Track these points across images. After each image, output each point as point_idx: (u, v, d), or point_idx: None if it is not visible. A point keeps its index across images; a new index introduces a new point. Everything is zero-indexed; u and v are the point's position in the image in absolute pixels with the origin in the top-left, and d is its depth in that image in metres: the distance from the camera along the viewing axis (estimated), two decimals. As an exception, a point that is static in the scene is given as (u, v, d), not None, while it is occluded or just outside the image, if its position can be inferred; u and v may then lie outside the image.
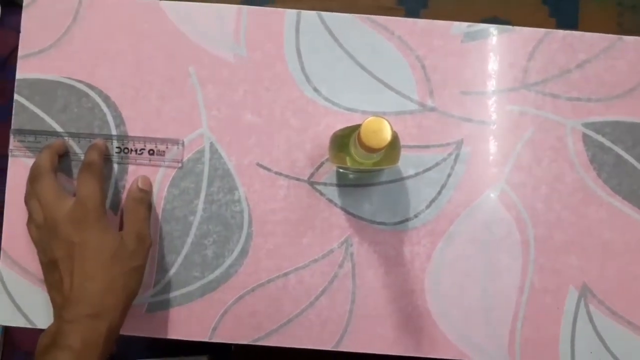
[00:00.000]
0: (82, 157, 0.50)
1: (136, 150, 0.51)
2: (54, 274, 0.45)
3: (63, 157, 0.51)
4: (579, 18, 1.24)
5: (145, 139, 0.51)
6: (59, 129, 0.51)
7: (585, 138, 0.51)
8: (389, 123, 0.36)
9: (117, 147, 0.51)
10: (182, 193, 0.51)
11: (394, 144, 0.43)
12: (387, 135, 0.37)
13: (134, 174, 0.51)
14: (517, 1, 1.23)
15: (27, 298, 0.51)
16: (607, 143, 0.51)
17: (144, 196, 0.49)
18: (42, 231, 0.45)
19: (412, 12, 1.25)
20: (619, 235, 0.50)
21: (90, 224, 0.44)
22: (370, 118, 0.37)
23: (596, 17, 1.24)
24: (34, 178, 0.47)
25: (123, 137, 0.51)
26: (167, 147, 0.50)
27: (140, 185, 0.49)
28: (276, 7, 0.53)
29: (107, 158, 0.51)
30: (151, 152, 0.50)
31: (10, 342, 1.00)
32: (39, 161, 0.47)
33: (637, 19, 1.24)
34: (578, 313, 0.50)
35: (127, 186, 0.51)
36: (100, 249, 0.44)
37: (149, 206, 0.50)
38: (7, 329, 1.00)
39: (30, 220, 0.47)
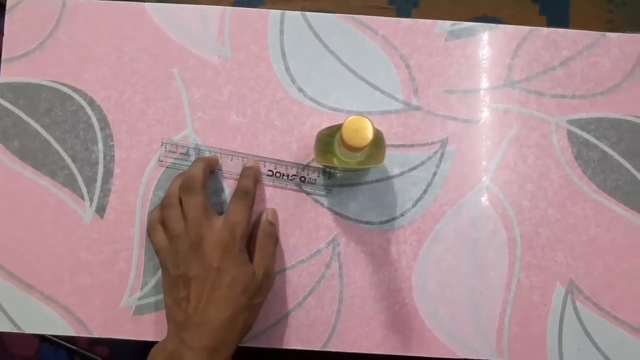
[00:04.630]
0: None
1: (288, 176, 0.50)
2: (181, 290, 0.44)
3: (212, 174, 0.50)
4: (569, 15, 1.25)
5: (297, 165, 0.50)
6: (43, 132, 0.51)
7: (570, 135, 0.51)
8: (371, 122, 0.36)
9: (269, 170, 0.50)
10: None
11: (379, 143, 0.43)
12: (369, 134, 0.37)
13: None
14: (507, -1, 1.24)
15: (14, 303, 0.50)
16: (592, 139, 0.51)
17: (273, 230, 0.49)
18: (180, 243, 0.44)
19: (403, 11, 1.25)
20: (604, 231, 0.51)
21: (234, 253, 0.44)
22: (352, 117, 0.37)
23: (587, 14, 1.24)
24: (186, 189, 0.46)
25: (276, 161, 0.50)
26: (318, 176, 0.50)
27: (270, 218, 0.49)
28: (266, 7, 0.53)
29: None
30: (302, 179, 0.50)
31: (1, 346, 1.00)
32: (193, 172, 0.46)
33: (627, 15, 1.25)
34: (565, 309, 0.50)
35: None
36: (235, 280, 0.44)
37: (277, 240, 0.49)
38: (-2, 334, 1.00)
39: (165, 229, 0.46)
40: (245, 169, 0.49)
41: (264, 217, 0.49)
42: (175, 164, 0.51)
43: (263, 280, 0.46)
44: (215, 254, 0.43)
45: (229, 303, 0.43)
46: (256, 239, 0.48)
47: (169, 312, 0.45)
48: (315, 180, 0.50)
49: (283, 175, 0.50)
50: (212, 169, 0.50)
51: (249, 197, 0.47)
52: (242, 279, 0.44)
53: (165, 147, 0.50)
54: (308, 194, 0.51)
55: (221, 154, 0.50)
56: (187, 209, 0.45)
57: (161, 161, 0.50)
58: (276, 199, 0.51)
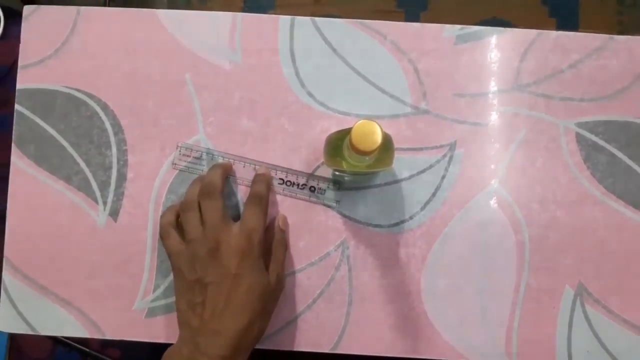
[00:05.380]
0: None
1: (298, 185, 0.51)
2: (197, 295, 0.44)
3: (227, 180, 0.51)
4: (579, 17, 1.24)
5: (307, 175, 0.51)
6: (58, 137, 0.52)
7: (579, 138, 0.52)
8: (380, 126, 0.37)
9: (280, 179, 0.51)
10: (181, 198, 0.51)
11: (387, 147, 0.43)
12: (378, 138, 0.37)
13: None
14: (516, 2, 1.24)
15: (30, 305, 0.51)
16: (601, 142, 0.52)
17: (284, 237, 0.50)
18: (198, 248, 0.45)
19: (412, 15, 1.25)
20: (614, 234, 0.51)
21: (252, 259, 0.45)
22: (361, 121, 0.37)
23: (596, 16, 1.24)
24: (206, 194, 0.46)
25: (287, 170, 0.51)
26: (328, 187, 0.51)
27: (281, 225, 0.50)
28: (276, 13, 0.54)
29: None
30: (312, 189, 0.51)
31: (16, 348, 1.01)
32: (212, 178, 0.47)
33: (637, 17, 1.24)
34: (574, 312, 0.50)
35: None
36: (252, 287, 0.44)
37: (287, 247, 0.50)
38: (12, 336, 1.01)
39: (183, 232, 0.46)
40: (257, 175, 0.50)
41: (275, 224, 0.50)
42: (188, 167, 0.51)
43: (276, 286, 0.47)
44: (234, 260, 0.44)
45: (246, 310, 0.43)
46: (269, 246, 0.49)
47: (183, 316, 0.45)
48: (324, 190, 0.51)
49: (293, 184, 0.51)
50: (227, 175, 0.51)
51: (263, 202, 0.48)
52: (259, 285, 0.44)
53: (180, 151, 0.51)
54: (317, 203, 0.51)
55: (234, 159, 0.51)
56: (205, 214, 0.46)
57: (175, 164, 0.51)
58: (286, 202, 0.51)
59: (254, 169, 0.51)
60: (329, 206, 0.51)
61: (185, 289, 0.45)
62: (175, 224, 0.48)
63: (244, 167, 0.51)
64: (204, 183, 0.47)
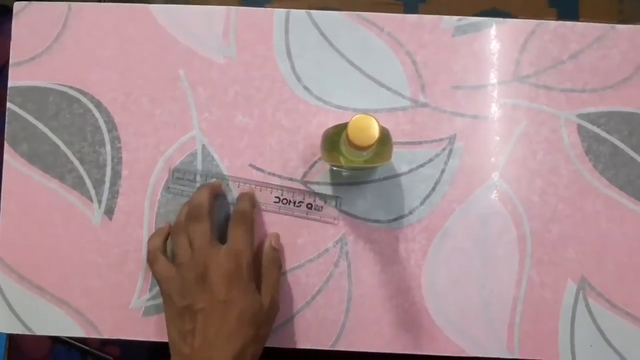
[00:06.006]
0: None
1: (294, 202, 0.50)
2: (187, 323, 0.42)
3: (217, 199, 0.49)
4: (579, 7, 1.23)
5: (305, 193, 0.50)
6: (51, 135, 0.51)
7: (580, 129, 0.51)
8: (377, 120, 0.36)
9: (275, 197, 0.50)
10: (176, 196, 0.51)
11: (385, 141, 0.42)
12: (375, 133, 0.37)
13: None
14: (515, -8, 1.22)
15: (25, 305, 0.51)
16: (603, 134, 0.51)
17: (277, 256, 0.48)
18: (186, 273, 0.43)
19: (411, 7, 1.24)
20: (616, 227, 0.50)
21: (241, 283, 0.43)
22: (358, 116, 0.37)
23: (596, 4, 1.23)
24: (192, 217, 0.45)
25: (282, 188, 0.50)
26: (325, 202, 0.50)
27: (274, 244, 0.48)
28: (273, 6, 0.53)
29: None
30: (309, 206, 0.50)
31: (15, 346, 1.01)
32: (199, 200, 0.46)
33: (638, 5, 1.23)
34: (577, 306, 0.50)
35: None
36: (243, 312, 0.42)
37: (281, 267, 0.49)
38: (11, 335, 1.01)
39: (174, 256, 0.45)
40: (240, 194, 0.49)
41: (267, 244, 0.48)
42: (182, 191, 0.50)
43: (269, 309, 0.45)
44: (222, 286, 0.42)
45: (237, 336, 0.42)
46: (260, 266, 0.47)
47: (175, 345, 0.43)
48: (322, 207, 0.50)
49: (290, 202, 0.50)
50: (216, 194, 0.49)
51: (247, 219, 0.46)
52: (250, 310, 0.43)
53: (173, 174, 0.50)
54: (315, 220, 0.50)
55: (229, 180, 0.50)
56: (193, 238, 0.44)
57: (169, 188, 0.50)
58: (284, 218, 0.50)
59: (250, 187, 0.50)
60: (327, 222, 0.50)
61: (176, 316, 0.43)
62: (163, 247, 0.47)
63: (238, 186, 0.50)
64: (191, 206, 0.46)
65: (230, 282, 0.43)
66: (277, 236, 0.49)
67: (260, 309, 0.44)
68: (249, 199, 0.48)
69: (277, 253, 0.48)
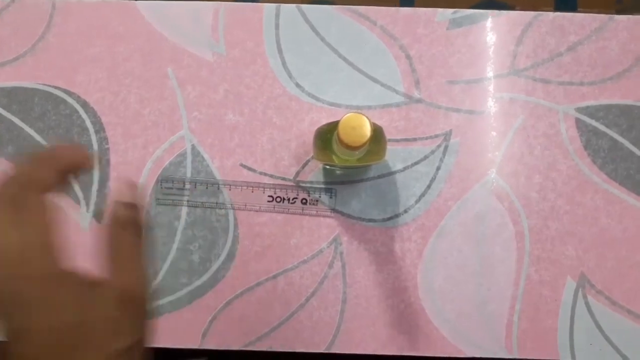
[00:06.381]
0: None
1: (289, 199, 0.49)
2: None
3: None
4: (577, -4, 1.22)
5: (298, 189, 0.49)
6: (37, 137, 0.50)
7: (579, 123, 0.50)
8: (368, 118, 0.35)
9: (269, 196, 0.49)
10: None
11: (378, 139, 0.41)
12: (367, 132, 0.36)
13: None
14: (513, -18, 1.21)
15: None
16: (602, 127, 0.50)
17: (131, 216, 0.28)
18: None
19: (406, 0, 1.22)
20: (616, 223, 0.49)
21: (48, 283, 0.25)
22: (349, 114, 0.36)
23: (595, -6, 1.21)
24: None
25: (274, 186, 0.49)
26: (320, 196, 0.49)
27: (127, 197, 0.28)
28: (262, 1, 0.52)
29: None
30: (304, 201, 0.49)
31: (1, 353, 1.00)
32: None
33: (637, -6, 1.21)
34: (576, 304, 0.49)
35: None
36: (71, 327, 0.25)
37: (141, 232, 0.29)
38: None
39: None
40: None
41: (113, 205, 0.28)
42: (173, 200, 0.49)
43: (124, 309, 0.26)
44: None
45: None
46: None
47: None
48: (317, 200, 0.49)
49: (284, 199, 0.49)
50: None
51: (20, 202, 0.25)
52: (78, 319, 0.25)
53: (161, 184, 0.49)
54: (312, 215, 0.49)
55: (219, 184, 0.49)
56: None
57: (158, 199, 0.49)
58: (279, 216, 0.49)
59: (241, 190, 0.49)
60: (324, 215, 0.49)
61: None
62: None
63: (230, 190, 0.49)
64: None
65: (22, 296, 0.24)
66: (132, 186, 0.29)
67: (104, 314, 0.26)
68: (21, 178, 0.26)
69: (132, 211, 0.28)
